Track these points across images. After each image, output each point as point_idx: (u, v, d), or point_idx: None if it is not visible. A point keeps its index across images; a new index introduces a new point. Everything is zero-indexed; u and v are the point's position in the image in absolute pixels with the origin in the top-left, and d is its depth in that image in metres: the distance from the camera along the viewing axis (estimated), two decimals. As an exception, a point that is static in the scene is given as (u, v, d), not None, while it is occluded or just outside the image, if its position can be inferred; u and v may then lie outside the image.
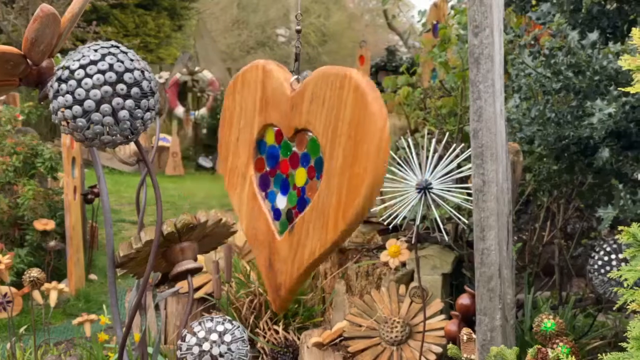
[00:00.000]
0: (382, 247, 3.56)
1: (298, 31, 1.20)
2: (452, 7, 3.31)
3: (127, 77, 1.55)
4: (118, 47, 1.62)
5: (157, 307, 3.21)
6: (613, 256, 2.77)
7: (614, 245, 2.78)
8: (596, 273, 2.81)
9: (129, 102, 1.54)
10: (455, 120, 3.27)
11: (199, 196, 8.87)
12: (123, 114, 1.53)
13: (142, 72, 1.59)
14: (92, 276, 5.80)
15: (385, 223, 2.29)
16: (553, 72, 2.50)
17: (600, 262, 2.80)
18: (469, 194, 2.29)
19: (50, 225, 5.29)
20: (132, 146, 2.73)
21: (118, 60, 1.57)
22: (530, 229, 3.62)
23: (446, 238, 2.20)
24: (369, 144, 1.06)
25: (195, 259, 1.91)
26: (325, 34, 22.93)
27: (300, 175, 1.14)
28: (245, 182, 1.17)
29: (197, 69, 11.29)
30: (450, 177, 2.24)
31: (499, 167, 1.85)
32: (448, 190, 2.18)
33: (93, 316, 3.63)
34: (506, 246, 1.89)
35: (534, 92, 2.58)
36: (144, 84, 1.58)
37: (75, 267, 5.40)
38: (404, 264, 3.38)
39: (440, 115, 3.38)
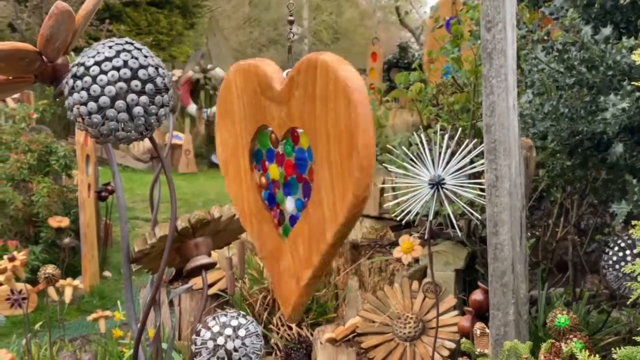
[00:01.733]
0: (394, 243, 3.56)
1: (290, 22, 1.19)
2: (465, 3, 3.31)
3: (141, 73, 1.56)
4: (132, 44, 1.63)
5: (171, 303, 3.21)
6: (628, 252, 2.76)
7: (629, 241, 2.77)
8: (610, 269, 2.79)
9: (144, 99, 1.55)
10: (468, 117, 3.26)
11: (212, 193, 8.89)
12: (137, 110, 1.54)
13: (156, 68, 1.60)
14: (107, 273, 5.83)
15: (397, 219, 2.29)
16: (566, 67, 2.49)
17: (614, 258, 2.79)
18: (482, 190, 2.30)
19: (64, 222, 5.32)
20: (145, 143, 2.76)
21: (132, 57, 1.58)
22: (544, 225, 3.61)
23: (459, 234, 2.21)
24: (344, 121, 1.05)
25: (209, 255, 1.92)
26: (338, 31, 22.94)
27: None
28: (244, 184, 1.19)
29: (209, 66, 11.30)
30: (463, 172, 2.25)
31: (511, 162, 1.85)
32: (461, 186, 2.18)
33: (107, 312, 3.65)
34: (519, 241, 1.89)
35: (547, 87, 2.58)
36: (158, 80, 1.59)
37: (89, 264, 5.43)
38: (417, 260, 3.38)
39: (452, 111, 3.38)
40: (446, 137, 2.24)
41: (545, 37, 2.72)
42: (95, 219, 5.64)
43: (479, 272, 3.27)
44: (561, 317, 2.37)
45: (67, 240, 4.90)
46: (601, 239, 3.66)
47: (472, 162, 2.26)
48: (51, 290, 3.39)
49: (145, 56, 1.61)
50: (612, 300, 3.41)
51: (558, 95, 2.57)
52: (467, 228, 3.30)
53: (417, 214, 2.32)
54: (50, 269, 3.21)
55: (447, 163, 2.22)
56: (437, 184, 2.19)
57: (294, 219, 1.13)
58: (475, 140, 2.35)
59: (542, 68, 2.56)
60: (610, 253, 2.82)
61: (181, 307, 3.93)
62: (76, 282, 3.67)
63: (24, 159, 5.46)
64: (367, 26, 22.48)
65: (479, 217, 2.26)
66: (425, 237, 2.36)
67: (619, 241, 2.82)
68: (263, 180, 1.16)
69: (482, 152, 2.24)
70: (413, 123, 4.15)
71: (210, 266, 1.87)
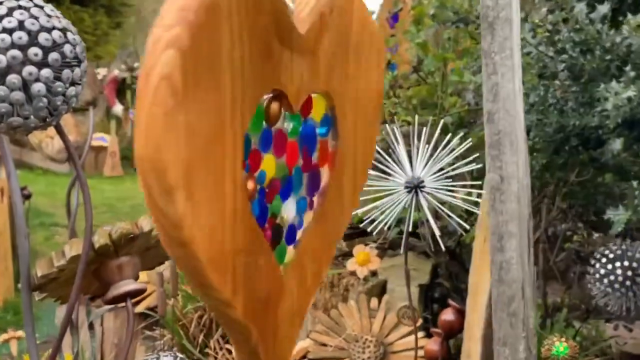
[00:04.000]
0: (348, 254, 3.18)
1: None
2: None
3: (42, 38, 1.13)
4: (32, 0, 1.21)
5: (91, 325, 2.81)
6: (617, 264, 2.47)
7: (618, 252, 2.48)
8: (597, 283, 2.50)
9: (46, 72, 1.12)
10: (430, 111, 2.91)
11: (140, 198, 8.34)
12: (37, 87, 1.12)
13: (64, 32, 1.18)
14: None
15: (368, 230, 1.90)
16: (556, 50, 2.15)
17: (602, 271, 2.49)
18: (469, 193, 1.94)
19: (-28, 231, 4.91)
20: (60, 141, 2.29)
21: (31, 16, 1.15)
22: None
23: (443, 246, 1.85)
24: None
25: (137, 277, 1.51)
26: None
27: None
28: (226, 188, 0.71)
29: (136, 65, 10.82)
30: (444, 173, 1.88)
31: (520, 159, 1.48)
32: (445, 189, 1.81)
33: (20, 333, 3.22)
34: (528, 258, 1.52)
35: (533, 74, 2.23)
36: (67, 48, 1.17)
37: (2, 277, 5.05)
38: (374, 273, 3.01)
39: (411, 105, 3.02)
40: (425, 130, 1.87)
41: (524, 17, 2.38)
42: (9, 227, 5.20)
43: (444, 287, 2.92)
44: (559, 345, 2.02)
45: (-26, 251, 4.46)
46: (571, 247, 3.39)
47: (454, 161, 1.89)
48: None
49: (49, 16, 1.19)
50: (587, 314, 3.12)
51: (546, 84, 2.22)
52: (430, 237, 2.94)
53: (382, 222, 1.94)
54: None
55: (427, 162, 1.84)
56: (415, 187, 1.81)
57: (292, 233, 0.71)
58: (462, 134, 1.98)
59: (528, 52, 2.21)
60: (597, 265, 2.53)
61: (104, 326, 3.49)
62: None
63: None
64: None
65: (467, 227, 1.89)
66: (402, 250, 1.98)
67: (607, 252, 2.54)
68: (250, 184, 0.69)
69: (466, 150, 1.88)
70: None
71: (137, 293, 1.44)
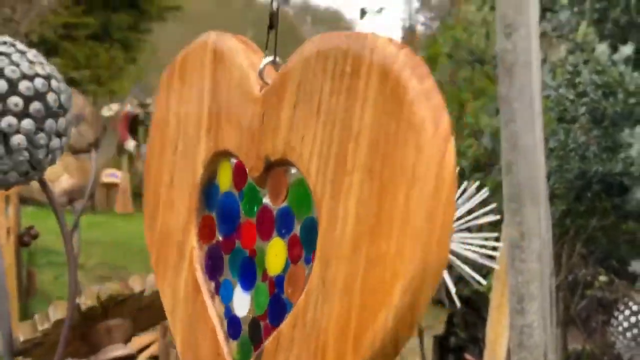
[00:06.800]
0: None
1: None
2: (442, 22, 2.86)
3: (23, 86, 1.04)
4: (13, 45, 1.11)
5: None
6: (641, 316, 2.36)
7: (642, 304, 2.36)
8: (620, 336, 2.38)
9: (27, 123, 1.03)
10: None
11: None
12: (17, 139, 1.02)
13: (48, 80, 1.08)
14: (17, 326, 5.25)
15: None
16: (577, 93, 2.05)
17: (625, 324, 2.38)
18: (483, 246, 1.82)
19: (-23, 271, 4.76)
20: (62, 183, 2.19)
21: (12, 63, 1.06)
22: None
23: (458, 302, 1.73)
24: (409, 187, 0.54)
25: (128, 341, 1.41)
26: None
27: (275, 253, 0.55)
28: (183, 261, 0.58)
29: (149, 101, 10.80)
30: (461, 224, 1.76)
31: (541, 213, 1.37)
32: (462, 242, 1.70)
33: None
34: (550, 319, 1.41)
35: (552, 118, 2.13)
36: (50, 97, 1.07)
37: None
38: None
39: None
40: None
41: (543, 58, 2.28)
42: (15, 267, 5.10)
43: (460, 337, 2.80)
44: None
45: (-22, 293, 4.33)
46: (593, 295, 3.27)
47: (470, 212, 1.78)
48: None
49: (31, 62, 1.09)
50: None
51: (567, 128, 2.12)
52: (444, 285, 2.83)
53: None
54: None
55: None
56: (429, 239, 1.70)
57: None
58: (477, 183, 1.87)
59: (547, 94, 2.12)
60: (621, 318, 2.41)
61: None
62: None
63: None
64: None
65: (483, 282, 1.78)
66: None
67: (630, 304, 2.42)
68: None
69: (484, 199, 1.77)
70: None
71: (127, 359, 1.34)
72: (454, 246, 1.71)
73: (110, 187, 10.02)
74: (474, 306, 2.90)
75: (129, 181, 10.17)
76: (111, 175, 9.79)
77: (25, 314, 5.32)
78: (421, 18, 12.08)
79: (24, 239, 5.08)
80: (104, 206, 9.68)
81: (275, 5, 0.58)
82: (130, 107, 10.85)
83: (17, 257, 5.19)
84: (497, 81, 1.47)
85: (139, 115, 10.83)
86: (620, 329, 2.37)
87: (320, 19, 21.07)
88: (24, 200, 5.66)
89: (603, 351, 3.26)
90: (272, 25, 0.60)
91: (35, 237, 5.11)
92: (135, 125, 10.93)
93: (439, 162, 0.43)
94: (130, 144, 10.74)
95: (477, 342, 2.75)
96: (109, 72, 15.44)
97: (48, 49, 12.28)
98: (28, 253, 5.49)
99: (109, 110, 10.64)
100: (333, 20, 21.21)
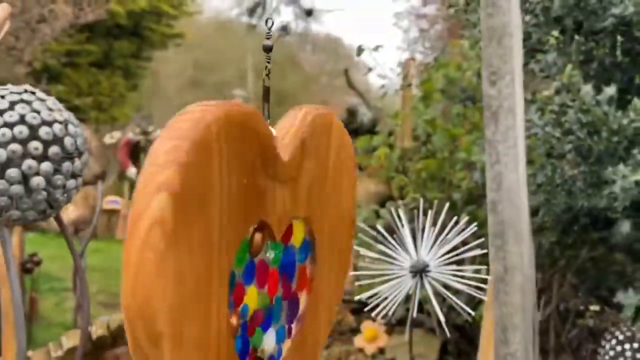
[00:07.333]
0: (355, 330, 3.14)
1: (267, 49, 0.63)
2: (436, 59, 2.97)
3: (43, 132, 1.14)
4: (34, 93, 1.21)
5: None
6: (627, 345, 2.43)
7: (628, 333, 2.44)
8: (608, 365, 2.46)
9: (46, 166, 1.12)
10: (438, 185, 2.89)
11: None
12: (37, 181, 1.12)
13: (65, 125, 1.18)
14: (31, 353, 5.28)
15: (373, 314, 1.87)
16: (563, 131, 2.14)
17: (611, 353, 2.45)
18: (474, 278, 1.91)
19: (-19, 298, 4.80)
20: (69, 214, 2.28)
21: (32, 110, 1.16)
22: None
23: (438, 320, 1.81)
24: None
25: (136, 368, 1.49)
26: (281, 94, 22.65)
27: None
28: None
29: (150, 128, 10.88)
30: (450, 257, 1.85)
31: (523, 249, 1.46)
32: (452, 275, 1.78)
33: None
34: (533, 349, 1.49)
35: (540, 155, 2.22)
36: (67, 141, 1.17)
37: (9, 344, 4.91)
38: (381, 351, 2.96)
39: (420, 179, 3.00)
40: (430, 212, 1.85)
41: (531, 97, 2.38)
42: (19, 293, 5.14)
43: (453, 365, 2.87)
44: None
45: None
46: (584, 324, 3.34)
47: (464, 243, 1.87)
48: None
49: (51, 109, 1.19)
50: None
51: (553, 165, 2.21)
52: (435, 314, 2.90)
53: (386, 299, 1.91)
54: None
55: (432, 245, 1.82)
56: (420, 271, 1.79)
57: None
58: (467, 218, 1.96)
59: (534, 133, 2.21)
60: (607, 347, 2.48)
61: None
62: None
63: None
64: (312, 90, 22.30)
65: (472, 312, 1.86)
66: (407, 335, 1.94)
67: (617, 333, 2.49)
68: (234, 320, 0.65)
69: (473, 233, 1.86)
70: (376, 192, 3.76)
71: (135, 385, 1.43)
72: (445, 278, 1.80)
73: (112, 213, 10.04)
74: (467, 335, 2.97)
75: (130, 208, 10.22)
76: (112, 202, 9.82)
77: (29, 340, 5.36)
78: (419, 47, 12.19)
79: (27, 266, 5.17)
80: (105, 232, 9.71)
81: (267, 82, 0.67)
82: (132, 135, 10.91)
83: (21, 284, 5.25)
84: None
85: (140, 142, 10.87)
86: (607, 357, 2.45)
87: (321, 47, 21.16)
88: (26, 227, 5.72)
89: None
90: (266, 96, 0.68)
91: (38, 264, 5.19)
92: (136, 152, 10.97)
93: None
94: (132, 171, 10.78)
95: (470, 370, 2.82)
96: (111, 98, 15.53)
97: (51, 77, 12.38)
98: (31, 279, 5.53)
99: (111, 137, 10.71)
100: (333, 48, 21.31)
